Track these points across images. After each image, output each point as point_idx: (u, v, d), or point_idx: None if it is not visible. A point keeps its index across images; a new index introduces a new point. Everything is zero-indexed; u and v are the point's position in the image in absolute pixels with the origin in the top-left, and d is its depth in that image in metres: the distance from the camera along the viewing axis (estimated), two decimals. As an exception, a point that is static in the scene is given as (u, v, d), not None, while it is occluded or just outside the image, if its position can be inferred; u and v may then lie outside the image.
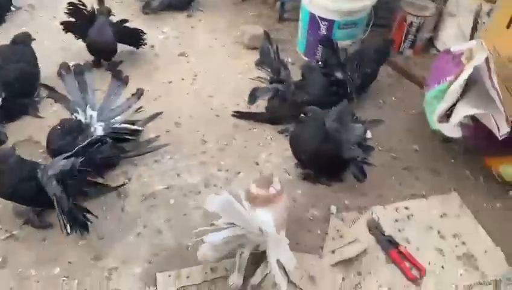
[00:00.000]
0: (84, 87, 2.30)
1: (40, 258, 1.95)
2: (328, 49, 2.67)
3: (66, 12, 2.86)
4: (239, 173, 2.40)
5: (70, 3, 2.82)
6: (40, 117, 2.60)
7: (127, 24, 2.94)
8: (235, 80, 2.99)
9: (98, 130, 2.21)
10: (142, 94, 2.43)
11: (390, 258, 2.05)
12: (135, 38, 3.00)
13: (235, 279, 1.84)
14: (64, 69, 2.32)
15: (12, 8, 3.40)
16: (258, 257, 1.89)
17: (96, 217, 2.05)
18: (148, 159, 2.42)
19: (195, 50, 3.24)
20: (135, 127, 2.33)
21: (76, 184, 1.95)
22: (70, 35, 3.00)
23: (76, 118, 2.22)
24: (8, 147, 2.24)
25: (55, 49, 3.06)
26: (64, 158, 1.94)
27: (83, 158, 1.92)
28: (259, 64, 2.66)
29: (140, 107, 2.50)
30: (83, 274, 1.90)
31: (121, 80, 2.40)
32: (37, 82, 2.66)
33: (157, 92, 2.84)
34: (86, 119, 2.22)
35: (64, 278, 1.89)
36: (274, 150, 2.54)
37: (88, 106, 2.24)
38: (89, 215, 1.98)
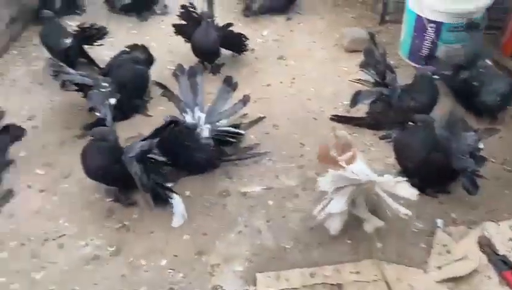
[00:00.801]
0: (195, 89, 2.41)
1: (148, 249, 2.07)
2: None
3: (178, 15, 3.02)
4: (338, 178, 2.36)
5: (182, 6, 2.97)
6: (149, 116, 2.78)
7: (231, 28, 3.03)
8: (334, 84, 2.96)
9: (205, 131, 2.30)
10: (248, 101, 2.48)
11: (505, 280, 1.88)
12: (238, 43, 3.08)
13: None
14: (179, 70, 2.45)
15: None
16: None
17: (179, 194, 2.19)
18: (248, 159, 2.48)
19: (294, 53, 3.26)
20: (238, 130, 2.38)
21: (155, 164, 2.18)
22: (176, 38, 3.18)
23: (184, 117, 2.32)
24: (109, 126, 2.39)
25: (163, 51, 3.24)
26: (141, 140, 2.13)
27: (158, 139, 2.11)
28: (364, 66, 2.60)
29: (246, 114, 2.55)
30: (187, 268, 1.99)
31: (230, 85, 2.48)
32: (148, 83, 2.84)
33: (257, 94, 2.89)
34: (194, 119, 2.31)
35: (170, 270, 1.99)
36: (374, 157, 2.46)
37: (197, 107, 2.34)
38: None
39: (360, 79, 2.67)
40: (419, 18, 2.81)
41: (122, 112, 2.70)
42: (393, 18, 3.36)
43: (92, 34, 2.96)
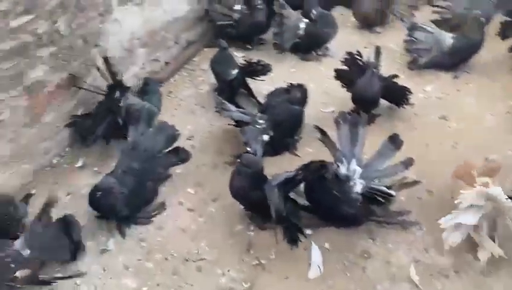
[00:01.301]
0: (355, 140, 2.34)
1: (281, 295, 2.03)
2: None
3: (341, 61, 3.01)
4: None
5: (348, 53, 2.96)
6: (297, 155, 2.78)
7: (395, 80, 2.92)
8: (505, 158, 2.62)
9: (358, 186, 2.20)
10: (411, 164, 2.32)
11: None
12: (400, 96, 2.95)
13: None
14: (341, 118, 2.40)
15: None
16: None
17: (305, 236, 2.20)
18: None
19: (459, 115, 3.01)
20: (390, 191, 2.24)
21: (294, 205, 2.24)
22: (332, 81, 3.16)
23: (338, 167, 2.26)
24: (258, 156, 2.50)
25: (319, 92, 3.24)
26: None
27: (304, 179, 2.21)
28: None
29: (405, 178, 2.38)
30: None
31: (395, 143, 2.35)
32: (301, 123, 2.85)
33: (412, 153, 2.68)
34: (348, 171, 2.24)
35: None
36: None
37: (354, 159, 2.26)
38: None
39: None
40: None
41: (273, 148, 2.75)
42: None
43: (257, 70, 3.09)
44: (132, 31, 3.09)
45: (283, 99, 2.85)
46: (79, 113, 2.82)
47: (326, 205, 2.28)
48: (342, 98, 3.12)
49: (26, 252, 1.98)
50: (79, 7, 2.62)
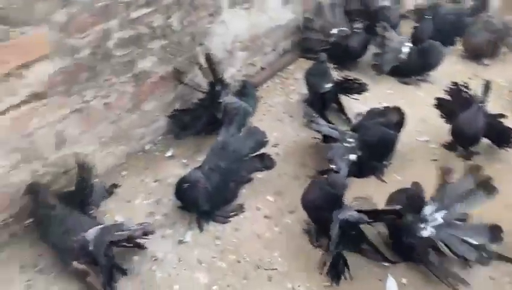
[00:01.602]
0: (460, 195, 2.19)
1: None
2: None
3: (445, 90, 2.87)
4: None
5: (454, 83, 2.82)
6: (383, 181, 2.68)
7: (502, 119, 2.73)
8: None
9: (425, 232, 2.11)
10: (499, 240, 2.11)
11: None
12: (503, 137, 2.75)
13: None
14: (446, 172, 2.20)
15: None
16: None
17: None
18: (482, 271, 2.14)
19: None
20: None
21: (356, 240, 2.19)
22: (430, 109, 3.02)
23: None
24: (343, 177, 2.42)
25: (415, 119, 3.09)
26: (358, 210, 2.08)
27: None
28: None
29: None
30: None
31: (487, 189, 2.15)
32: (394, 148, 2.75)
33: (507, 201, 2.50)
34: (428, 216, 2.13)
35: None
36: None
37: (447, 209, 2.14)
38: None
39: None
40: None
41: (359, 170, 2.67)
42: None
43: (353, 87, 3.03)
44: (236, 33, 3.18)
45: (378, 121, 2.77)
46: (176, 106, 2.95)
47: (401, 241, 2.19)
48: (438, 128, 2.98)
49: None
50: (193, 5, 2.75)
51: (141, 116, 2.75)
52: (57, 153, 2.37)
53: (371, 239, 2.25)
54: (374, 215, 2.17)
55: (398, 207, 2.14)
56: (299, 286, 2.10)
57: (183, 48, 2.81)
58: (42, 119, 2.24)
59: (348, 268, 2.13)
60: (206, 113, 2.88)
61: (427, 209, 2.16)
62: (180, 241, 2.32)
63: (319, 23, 3.75)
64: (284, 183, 2.67)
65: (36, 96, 2.17)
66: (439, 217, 2.14)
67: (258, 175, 2.68)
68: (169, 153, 2.87)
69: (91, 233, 2.06)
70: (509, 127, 2.74)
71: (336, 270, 2.12)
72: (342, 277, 2.11)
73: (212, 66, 2.83)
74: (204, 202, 2.34)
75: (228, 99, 2.81)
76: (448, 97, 2.88)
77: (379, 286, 2.10)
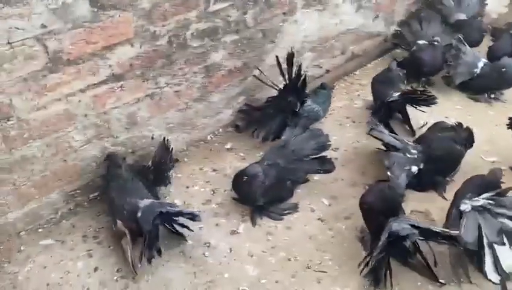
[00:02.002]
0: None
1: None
2: None
3: None
4: None
5: None
6: (444, 198, 2.59)
7: None
8: None
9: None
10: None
11: None
12: None
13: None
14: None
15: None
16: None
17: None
18: None
19: None
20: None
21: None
22: (502, 129, 2.89)
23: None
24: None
25: (482, 138, 2.94)
26: (411, 225, 2.05)
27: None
28: None
29: None
30: None
31: None
32: (458, 164, 2.66)
33: None
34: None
35: None
36: None
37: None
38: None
39: None
40: None
41: (419, 183, 2.60)
42: None
43: (421, 99, 2.94)
44: (306, 34, 3.19)
45: (446, 135, 2.68)
46: (240, 100, 3.01)
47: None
48: (508, 150, 2.84)
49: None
50: (268, 3, 2.78)
51: (207, 107, 2.83)
52: (126, 134, 2.50)
53: (425, 254, 2.19)
54: (428, 233, 2.11)
55: (455, 233, 2.08)
56: (347, 291, 2.09)
57: (254, 44, 2.85)
58: (118, 100, 2.37)
59: (391, 276, 2.09)
60: (279, 115, 2.90)
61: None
62: (233, 232, 2.37)
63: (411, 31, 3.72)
64: (340, 188, 2.65)
65: (115, 78, 2.30)
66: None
67: (315, 177, 2.69)
68: (228, 146, 2.93)
69: (145, 202, 2.18)
70: None
71: (376, 274, 2.09)
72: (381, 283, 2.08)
73: (291, 67, 2.82)
74: (260, 196, 2.38)
75: (308, 102, 2.87)
76: None
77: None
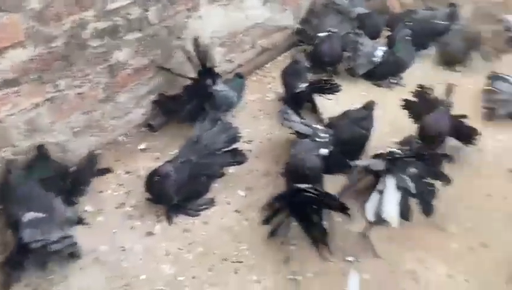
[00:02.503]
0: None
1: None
2: None
3: (412, 92, 2.96)
4: None
5: (419, 86, 2.92)
6: (352, 182, 2.71)
7: (464, 120, 2.85)
8: None
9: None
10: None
11: None
12: (466, 135, 2.87)
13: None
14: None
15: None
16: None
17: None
18: (439, 268, 2.22)
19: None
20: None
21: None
22: (400, 112, 3.10)
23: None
24: None
25: (385, 121, 3.16)
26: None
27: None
28: None
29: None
30: None
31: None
32: (365, 146, 2.82)
33: (471, 201, 2.61)
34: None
35: None
36: None
37: None
38: None
39: None
40: None
41: (328, 166, 2.73)
42: None
43: (326, 87, 3.08)
44: (214, 29, 3.20)
45: (351, 120, 2.83)
46: (151, 99, 2.96)
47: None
48: (406, 129, 3.05)
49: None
50: (170, 0, 2.76)
51: (114, 108, 2.76)
52: (27, 141, 2.36)
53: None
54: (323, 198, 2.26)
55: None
56: (264, 279, 2.14)
57: (159, 41, 2.82)
58: (14, 106, 2.24)
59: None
60: (193, 100, 2.92)
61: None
62: (149, 233, 2.34)
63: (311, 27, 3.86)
64: (255, 179, 2.71)
65: (8, 83, 2.17)
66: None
67: (230, 170, 2.72)
68: (141, 146, 2.88)
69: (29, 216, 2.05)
70: (472, 127, 2.85)
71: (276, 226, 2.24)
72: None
73: (200, 52, 2.85)
74: (174, 195, 2.37)
75: (218, 87, 2.90)
76: (414, 99, 2.97)
77: (343, 281, 2.15)
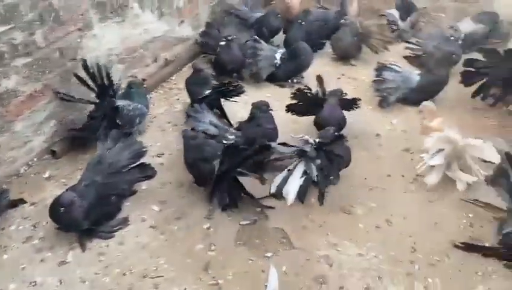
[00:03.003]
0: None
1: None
2: None
3: (291, 97, 3.14)
4: (447, 300, 2.15)
5: (297, 89, 3.11)
6: (261, 180, 2.81)
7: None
8: (461, 192, 2.73)
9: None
10: None
11: None
12: (351, 104, 3.13)
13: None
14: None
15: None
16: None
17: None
18: (350, 249, 2.38)
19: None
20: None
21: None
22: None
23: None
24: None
25: (290, 121, 3.30)
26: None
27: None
28: (491, 183, 2.46)
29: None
30: None
31: None
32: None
33: (373, 183, 2.81)
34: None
35: None
36: (495, 287, 2.20)
37: None
38: None
39: (476, 200, 2.59)
40: None
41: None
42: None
43: (229, 90, 3.16)
44: (110, 47, 3.15)
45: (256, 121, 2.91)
46: (51, 125, 2.85)
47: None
48: (308, 127, 3.21)
49: None
50: (58, 21, 2.68)
51: (11, 138, 2.62)
52: None
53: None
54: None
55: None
56: (185, 289, 2.15)
57: (52, 64, 2.72)
58: None
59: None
60: (99, 122, 2.86)
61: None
62: (62, 263, 2.25)
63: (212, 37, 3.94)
64: (169, 192, 2.70)
65: None
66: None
67: (143, 186, 2.70)
68: (46, 175, 2.76)
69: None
70: (354, 98, 3.11)
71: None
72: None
73: (92, 73, 2.79)
74: (83, 220, 2.29)
75: (122, 102, 2.89)
76: (296, 101, 3.14)
77: (263, 278, 2.22)
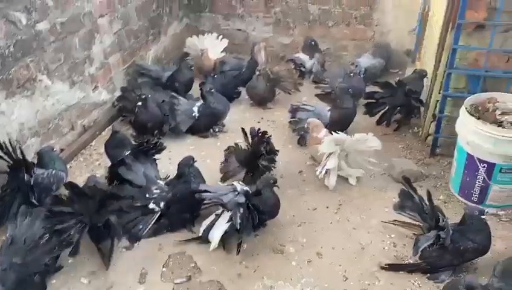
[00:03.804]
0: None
1: None
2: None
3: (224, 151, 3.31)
4: (381, 320, 2.23)
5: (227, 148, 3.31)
6: (193, 232, 2.82)
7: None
8: (381, 214, 2.91)
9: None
10: None
11: None
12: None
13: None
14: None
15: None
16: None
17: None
18: (286, 288, 2.42)
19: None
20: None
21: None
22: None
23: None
24: None
25: (216, 167, 3.34)
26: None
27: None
28: (399, 208, 2.63)
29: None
30: None
31: None
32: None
33: (301, 218, 2.91)
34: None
35: None
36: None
37: None
38: None
39: (395, 220, 2.76)
40: (470, 157, 2.80)
41: (170, 223, 2.84)
42: (445, 151, 3.36)
43: (149, 148, 3.15)
44: (21, 121, 3.07)
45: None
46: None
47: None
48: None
49: None
50: (-41, 103, 2.60)
51: None
52: None
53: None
54: None
55: None
56: None
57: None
58: None
59: None
60: (17, 196, 2.77)
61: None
62: None
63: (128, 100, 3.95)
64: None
65: None
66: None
67: (69, 261, 2.59)
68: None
69: None
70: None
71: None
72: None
73: (7, 151, 2.74)
74: (5, 307, 2.15)
75: (37, 171, 2.85)
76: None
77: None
